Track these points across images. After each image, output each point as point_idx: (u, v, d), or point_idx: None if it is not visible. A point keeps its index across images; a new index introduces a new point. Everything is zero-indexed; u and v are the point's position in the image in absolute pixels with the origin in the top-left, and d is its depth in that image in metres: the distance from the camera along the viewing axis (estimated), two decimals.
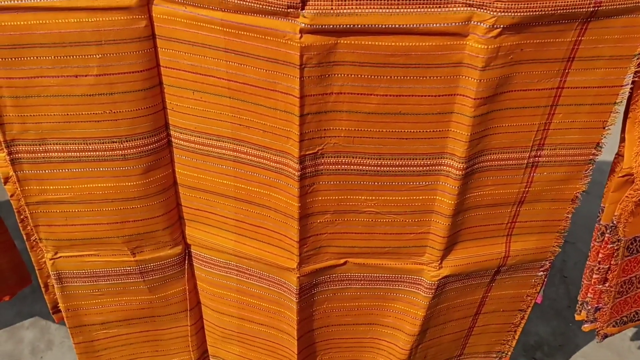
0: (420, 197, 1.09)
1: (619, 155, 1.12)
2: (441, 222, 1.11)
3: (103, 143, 1.04)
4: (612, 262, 1.24)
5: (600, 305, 1.33)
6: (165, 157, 1.11)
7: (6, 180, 1.08)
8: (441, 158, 1.03)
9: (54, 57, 0.94)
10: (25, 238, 1.18)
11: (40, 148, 1.04)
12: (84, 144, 1.04)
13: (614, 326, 1.41)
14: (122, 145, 1.04)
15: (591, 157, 1.07)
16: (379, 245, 1.17)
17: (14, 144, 1.03)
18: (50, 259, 1.21)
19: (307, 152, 1.01)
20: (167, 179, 1.14)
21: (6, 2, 0.88)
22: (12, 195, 1.10)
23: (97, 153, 1.05)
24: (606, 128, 1.03)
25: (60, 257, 1.21)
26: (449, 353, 1.47)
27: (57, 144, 1.04)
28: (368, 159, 1.04)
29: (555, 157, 1.06)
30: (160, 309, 1.35)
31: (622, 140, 1.09)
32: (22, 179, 1.08)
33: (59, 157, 1.05)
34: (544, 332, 2.09)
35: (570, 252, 2.34)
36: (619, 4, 0.87)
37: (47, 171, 1.07)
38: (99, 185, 1.09)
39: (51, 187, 1.09)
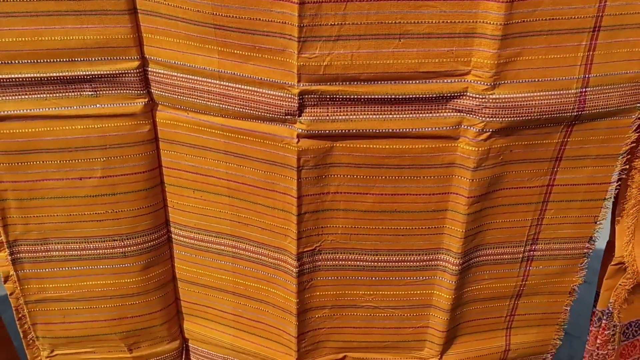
0: (418, 292, 1.09)
1: (611, 244, 1.13)
2: (440, 317, 1.10)
3: (104, 241, 1.05)
4: (609, 348, 1.24)
5: None
6: (164, 253, 1.12)
7: (6, 279, 1.09)
8: (437, 253, 1.05)
9: (60, 161, 0.97)
10: (22, 336, 1.17)
11: (42, 247, 1.05)
12: (85, 242, 1.05)
13: None
14: (122, 243, 1.06)
15: (585, 250, 1.08)
16: (377, 340, 1.16)
17: (16, 244, 1.05)
18: (47, 357, 1.19)
19: (304, 250, 1.03)
20: (166, 275, 1.14)
21: (17, 112, 0.92)
22: (11, 294, 1.10)
23: (98, 251, 1.06)
24: (598, 223, 1.05)
25: (57, 354, 1.19)
26: None
27: (58, 243, 1.05)
28: (365, 255, 1.05)
29: (550, 251, 1.08)
30: None
31: (613, 230, 1.11)
32: (22, 278, 1.08)
33: (60, 256, 1.07)
34: None
35: (577, 347, 2.27)
36: (601, 108, 0.91)
37: (47, 270, 1.08)
38: (98, 282, 1.10)
39: (51, 286, 1.10)
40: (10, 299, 1.11)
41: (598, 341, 1.24)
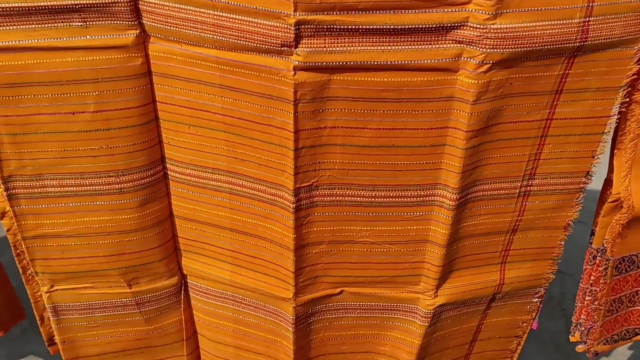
0: (415, 227, 1.10)
1: (608, 181, 1.14)
2: (436, 252, 1.11)
3: (100, 177, 1.05)
4: (601, 282, 1.26)
5: (591, 324, 1.35)
6: (161, 189, 1.12)
7: (2, 215, 1.09)
8: (434, 189, 1.05)
9: (52, 95, 0.95)
10: (21, 272, 1.18)
11: (37, 183, 1.05)
12: (80, 178, 1.05)
13: (604, 344, 1.41)
14: (118, 180, 1.05)
15: (582, 185, 1.08)
16: (374, 275, 1.17)
17: (11, 179, 1.04)
18: (47, 292, 1.21)
19: (302, 185, 1.02)
20: (163, 211, 1.15)
21: (5, 43, 0.90)
22: (8, 230, 1.11)
23: (94, 187, 1.06)
24: (595, 157, 1.04)
25: (57, 290, 1.21)
26: None
27: (54, 179, 1.05)
28: (362, 190, 1.05)
29: (546, 186, 1.08)
30: (157, 339, 1.35)
31: (611, 167, 1.11)
32: (19, 213, 1.08)
33: (56, 192, 1.06)
34: None
35: (569, 284, 2.32)
36: (604, 39, 0.89)
37: (43, 206, 1.08)
38: (96, 218, 1.10)
39: (48, 222, 1.10)
40: (7, 235, 1.12)
41: (592, 278, 1.26)
